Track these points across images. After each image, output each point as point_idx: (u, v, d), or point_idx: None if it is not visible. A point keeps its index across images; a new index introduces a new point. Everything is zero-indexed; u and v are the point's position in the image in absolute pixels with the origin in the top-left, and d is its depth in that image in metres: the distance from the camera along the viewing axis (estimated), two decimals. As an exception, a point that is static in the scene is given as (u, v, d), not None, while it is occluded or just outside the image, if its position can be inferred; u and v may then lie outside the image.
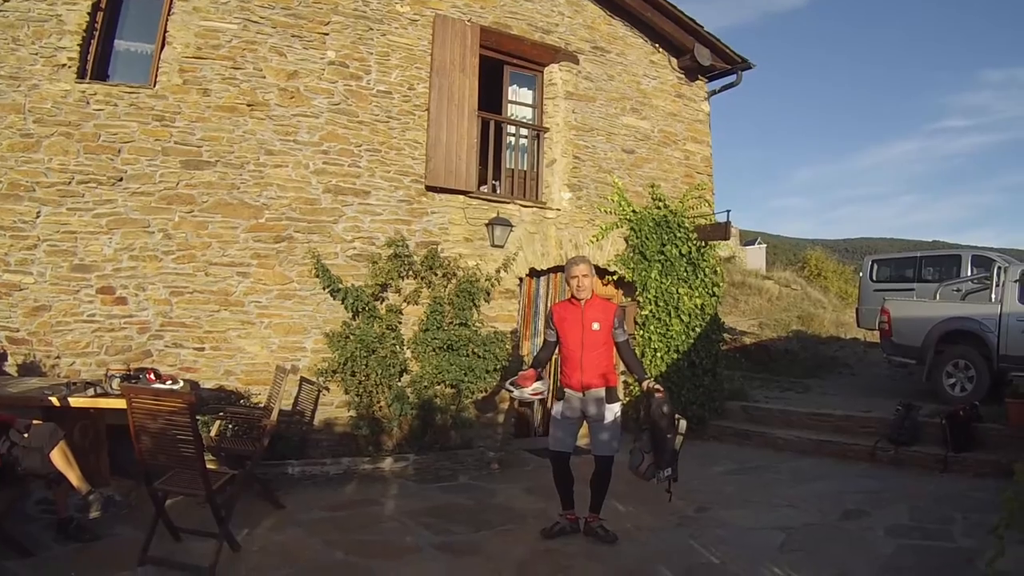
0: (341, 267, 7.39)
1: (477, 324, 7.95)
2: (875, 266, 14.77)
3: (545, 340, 5.43)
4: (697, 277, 9.39)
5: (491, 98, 8.84)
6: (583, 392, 5.07)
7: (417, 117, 7.95)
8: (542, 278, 8.99)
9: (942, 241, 64.27)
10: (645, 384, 5.03)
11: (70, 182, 6.38)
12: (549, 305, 8.51)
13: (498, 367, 7.87)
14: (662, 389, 4.96)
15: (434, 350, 7.68)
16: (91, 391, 5.04)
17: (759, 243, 37.64)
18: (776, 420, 9.14)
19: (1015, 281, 8.74)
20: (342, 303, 7.31)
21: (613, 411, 5.08)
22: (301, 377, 6.73)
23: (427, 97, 8.00)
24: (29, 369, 6.08)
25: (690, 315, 9.25)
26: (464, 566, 4.66)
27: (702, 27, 9.68)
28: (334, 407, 7.30)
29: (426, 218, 7.94)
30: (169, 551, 4.43)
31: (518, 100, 9.22)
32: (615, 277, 9.30)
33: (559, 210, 8.89)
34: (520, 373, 5.28)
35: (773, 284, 22.39)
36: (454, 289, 7.88)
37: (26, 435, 4.35)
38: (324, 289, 7.28)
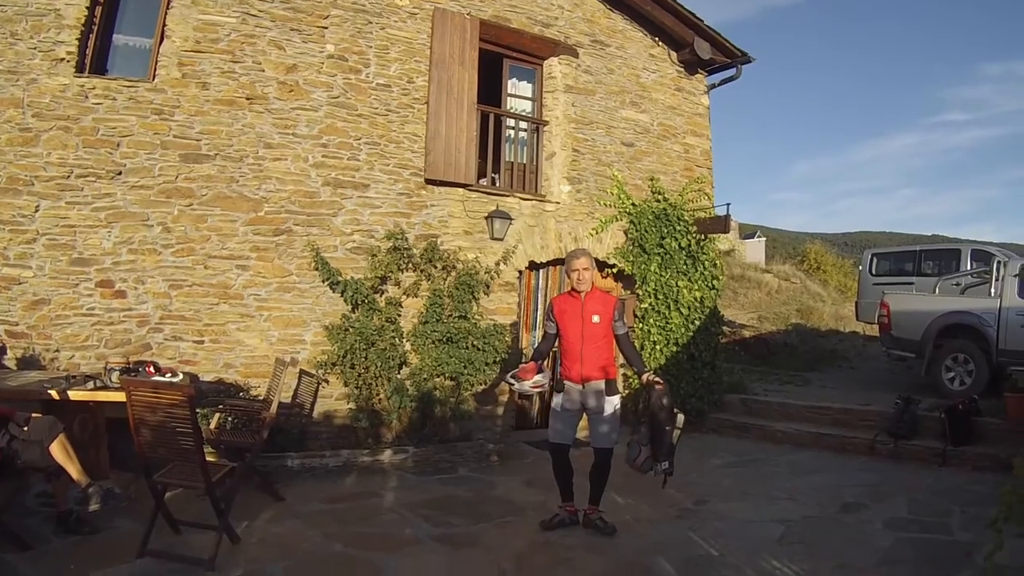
0: (340, 260, 7.39)
1: (476, 317, 7.95)
2: (874, 260, 14.77)
3: (545, 332, 5.43)
4: (696, 270, 9.39)
5: (490, 91, 8.82)
6: (583, 384, 5.08)
7: (416, 110, 7.95)
8: (541, 271, 8.99)
9: (942, 235, 64.21)
10: (644, 377, 5.04)
11: (69, 176, 6.38)
12: (548, 298, 8.52)
13: (497, 360, 7.89)
14: (662, 382, 4.96)
15: (433, 343, 7.68)
16: (90, 384, 5.05)
17: (758, 236, 37.60)
18: (775, 413, 9.16)
19: (1014, 275, 8.74)
20: (341, 296, 7.32)
21: (612, 403, 5.08)
22: (300, 370, 6.75)
23: (426, 90, 7.99)
24: (28, 362, 6.09)
25: (689, 308, 9.25)
26: (463, 558, 4.67)
27: (702, 21, 9.66)
28: (333, 399, 7.31)
29: (425, 211, 7.93)
30: (169, 543, 4.44)
31: (517, 93, 9.20)
32: (615, 270, 9.31)
33: (558, 203, 8.89)
34: (520, 366, 5.29)
35: (772, 277, 22.41)
36: (453, 282, 7.89)
37: (26, 428, 4.36)
38: (323, 282, 7.28)
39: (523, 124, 9.18)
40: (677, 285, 9.22)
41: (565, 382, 5.17)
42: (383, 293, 7.60)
